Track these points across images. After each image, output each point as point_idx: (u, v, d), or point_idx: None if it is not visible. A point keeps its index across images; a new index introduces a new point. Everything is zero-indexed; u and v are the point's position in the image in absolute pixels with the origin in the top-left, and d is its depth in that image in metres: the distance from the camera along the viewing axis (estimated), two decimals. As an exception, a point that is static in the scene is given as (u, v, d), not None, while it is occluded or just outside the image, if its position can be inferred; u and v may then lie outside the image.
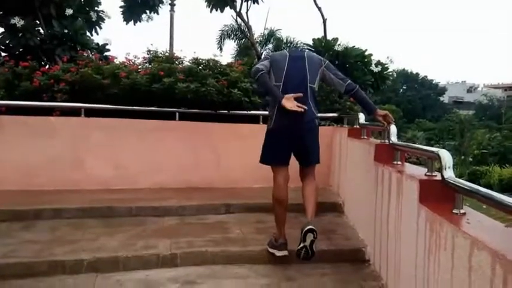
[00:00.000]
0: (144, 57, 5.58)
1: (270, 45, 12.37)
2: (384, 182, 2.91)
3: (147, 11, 9.51)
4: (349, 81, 3.17)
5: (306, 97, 3.02)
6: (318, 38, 6.75)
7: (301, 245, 2.80)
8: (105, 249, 3.12)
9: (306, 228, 2.79)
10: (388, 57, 7.02)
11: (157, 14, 9.67)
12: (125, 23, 9.41)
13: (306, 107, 2.98)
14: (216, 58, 5.35)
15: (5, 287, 2.70)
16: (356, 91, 3.15)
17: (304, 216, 3.02)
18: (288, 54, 3.17)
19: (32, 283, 2.75)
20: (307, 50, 3.33)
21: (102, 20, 7.54)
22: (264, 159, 3.17)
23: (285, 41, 11.46)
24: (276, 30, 12.20)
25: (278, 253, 3.04)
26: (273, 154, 3.12)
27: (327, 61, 3.25)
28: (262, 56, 7.79)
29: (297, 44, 10.83)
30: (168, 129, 4.85)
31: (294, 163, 3.20)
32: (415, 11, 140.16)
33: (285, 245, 3.04)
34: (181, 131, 4.89)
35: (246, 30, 8.72)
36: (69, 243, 3.20)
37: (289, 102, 2.94)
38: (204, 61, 5.22)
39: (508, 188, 15.14)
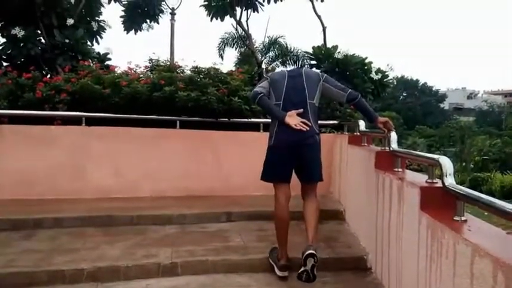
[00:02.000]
0: (146, 66, 5.62)
1: (271, 53, 12.36)
2: (384, 189, 2.90)
3: (148, 21, 9.60)
4: (350, 90, 3.17)
5: (307, 113, 3.03)
6: (318, 46, 6.78)
7: (302, 269, 2.78)
8: (106, 258, 3.11)
9: (306, 253, 2.77)
10: (388, 65, 7.10)
11: (158, 23, 9.76)
12: (125, 32, 9.49)
13: (310, 124, 2.99)
14: (217, 66, 5.41)
15: (5, 297, 2.69)
16: (358, 100, 3.15)
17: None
18: (286, 73, 3.22)
19: (32, 293, 2.73)
20: (305, 67, 3.36)
21: (103, 29, 7.60)
22: (264, 176, 3.16)
23: (285, 47, 11.44)
24: (278, 37, 12.20)
25: (279, 273, 3.03)
26: (273, 171, 3.11)
27: (325, 74, 3.26)
28: (263, 65, 7.83)
29: (297, 52, 10.84)
30: (169, 137, 4.85)
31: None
32: (414, 18, 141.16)
33: (286, 267, 3.01)
34: (182, 139, 4.89)
35: (246, 38, 8.76)
36: (69, 253, 3.19)
37: (293, 120, 2.96)
38: (204, 70, 5.25)
39: (510, 194, 15.05)
